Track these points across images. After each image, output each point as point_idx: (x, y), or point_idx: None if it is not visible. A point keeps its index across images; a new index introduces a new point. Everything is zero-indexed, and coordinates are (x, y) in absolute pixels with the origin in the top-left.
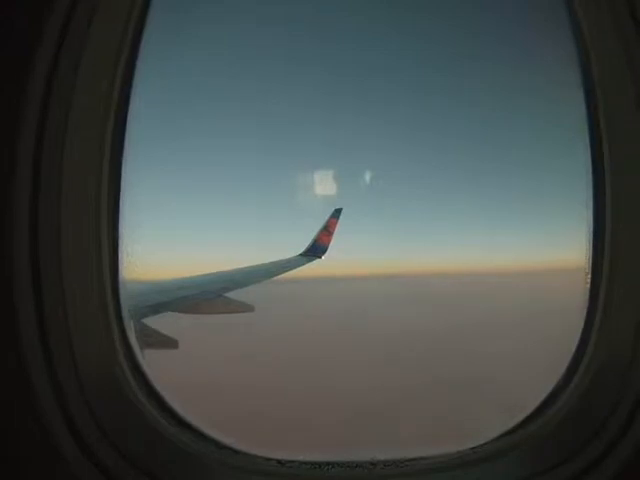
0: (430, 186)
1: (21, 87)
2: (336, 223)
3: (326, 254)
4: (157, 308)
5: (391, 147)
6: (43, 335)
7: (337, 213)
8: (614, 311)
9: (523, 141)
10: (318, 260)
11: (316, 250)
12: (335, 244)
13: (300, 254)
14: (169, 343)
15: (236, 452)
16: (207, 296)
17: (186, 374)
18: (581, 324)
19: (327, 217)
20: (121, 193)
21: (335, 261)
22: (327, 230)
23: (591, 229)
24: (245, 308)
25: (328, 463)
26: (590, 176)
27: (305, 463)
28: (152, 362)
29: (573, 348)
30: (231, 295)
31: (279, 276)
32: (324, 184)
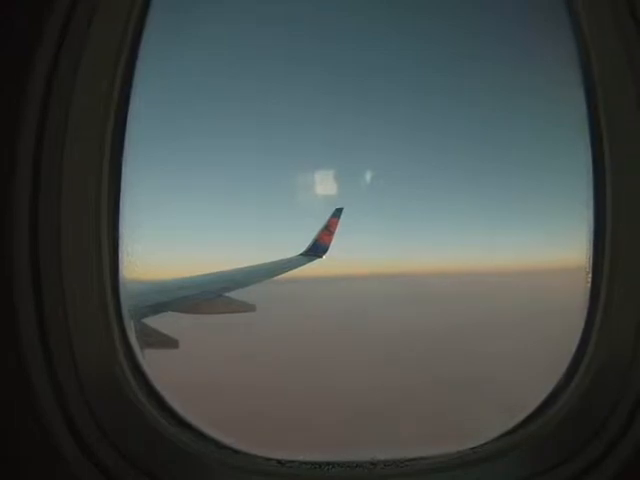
0: (430, 186)
1: (21, 87)
2: (337, 223)
3: (327, 254)
4: (157, 308)
5: (391, 147)
6: (43, 335)
7: (338, 213)
8: (615, 311)
9: (523, 141)
10: (319, 260)
11: (317, 250)
12: (336, 244)
13: (301, 254)
14: (169, 343)
15: (236, 452)
16: (208, 296)
17: (186, 374)
18: (581, 324)
19: (328, 217)
20: (121, 193)
21: (336, 261)
22: (328, 230)
23: (591, 229)
24: (246, 308)
25: (328, 463)
26: (591, 176)
27: (305, 463)
28: (152, 362)
29: (573, 348)
30: (232, 295)
31: (280, 276)
32: (325, 184)
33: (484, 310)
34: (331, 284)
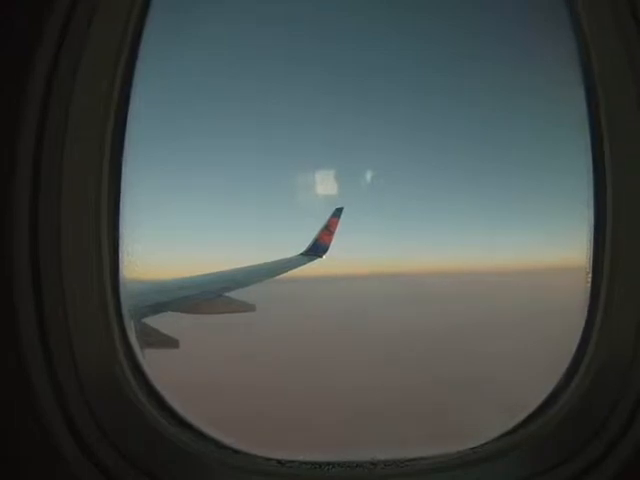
0: (430, 186)
1: (21, 87)
2: (337, 222)
3: (327, 253)
4: (157, 308)
5: (391, 147)
6: (43, 335)
7: (338, 212)
8: (615, 310)
9: (523, 141)
10: (319, 259)
11: (317, 249)
12: (336, 243)
13: (301, 253)
14: (169, 343)
15: (236, 452)
16: (208, 296)
17: (186, 374)
18: (582, 324)
19: (328, 216)
20: (121, 193)
21: (336, 260)
22: (328, 229)
23: (592, 228)
24: (246, 308)
25: (328, 463)
26: (591, 175)
27: (305, 463)
28: (152, 362)
29: (574, 348)
30: (232, 295)
31: (280, 275)
32: (325, 183)
33: (484, 310)
34: (331, 284)
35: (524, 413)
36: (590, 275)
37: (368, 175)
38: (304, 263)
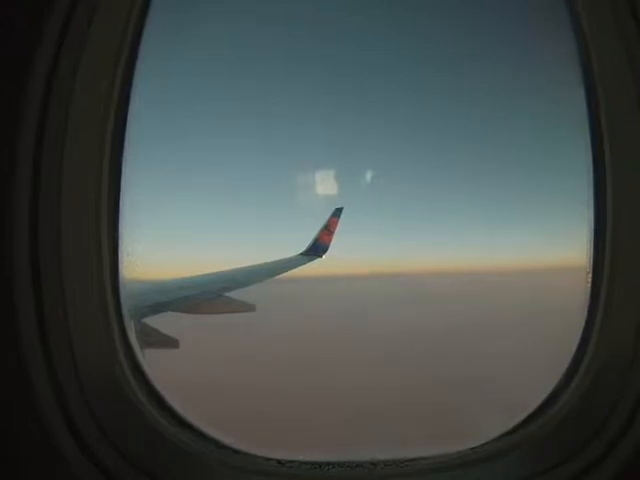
0: (430, 186)
1: (21, 87)
2: (337, 222)
3: (327, 253)
4: (157, 308)
5: (391, 147)
6: (43, 335)
7: (338, 212)
8: (615, 311)
9: (523, 141)
10: (319, 259)
11: (317, 249)
12: (336, 243)
13: (301, 253)
14: (169, 343)
15: (236, 452)
16: (208, 296)
17: (186, 374)
18: (582, 324)
19: (328, 216)
20: (121, 193)
21: (336, 260)
22: (328, 229)
23: (592, 228)
24: (246, 308)
25: (328, 463)
26: (591, 175)
27: (305, 463)
28: (152, 362)
29: (574, 348)
30: (232, 295)
31: (280, 275)
32: (325, 183)
33: (484, 310)
34: (331, 284)
35: (524, 413)
36: (590, 275)
37: (368, 175)
38: (304, 263)
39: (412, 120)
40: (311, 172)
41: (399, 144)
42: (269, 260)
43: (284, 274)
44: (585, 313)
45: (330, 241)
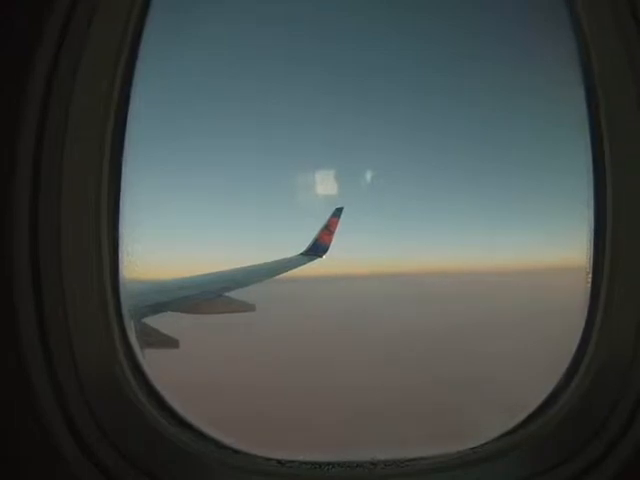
0: (430, 186)
1: (21, 87)
2: (337, 222)
3: (327, 253)
4: (157, 308)
5: (391, 147)
6: (43, 335)
7: (338, 212)
8: (615, 311)
9: (523, 141)
10: (319, 259)
11: (317, 249)
12: (336, 243)
13: (301, 253)
14: (169, 342)
15: (236, 452)
16: (208, 296)
17: (186, 374)
18: (582, 324)
19: (328, 216)
20: (121, 193)
21: (336, 260)
22: (328, 229)
23: (592, 228)
24: (246, 308)
25: (328, 463)
26: (591, 175)
27: (305, 463)
28: (152, 362)
29: (574, 348)
30: (232, 295)
31: (280, 275)
32: (325, 183)
33: (484, 310)
34: (331, 284)
35: (524, 413)
36: (590, 275)
37: (368, 175)
38: (304, 263)
39: (412, 120)
40: (311, 172)
41: (399, 144)
42: (269, 260)
43: (284, 274)
44: (585, 313)
45: (330, 241)
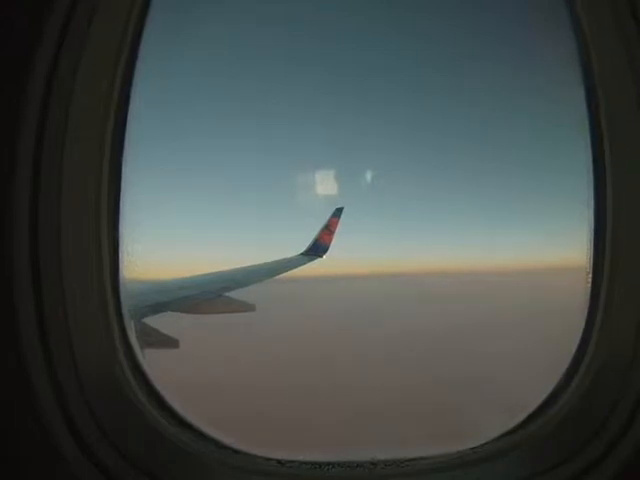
0: (430, 186)
1: (21, 87)
2: (337, 222)
3: (327, 253)
4: (157, 308)
5: (392, 147)
6: (43, 335)
7: (338, 212)
8: (615, 311)
9: (523, 141)
10: (319, 259)
11: (317, 249)
12: (336, 243)
13: (301, 253)
14: (169, 343)
15: (236, 452)
16: (208, 296)
17: (186, 374)
18: (582, 324)
19: (328, 216)
20: (121, 193)
21: (336, 260)
22: (328, 229)
23: (592, 228)
24: (246, 308)
25: (328, 463)
26: (591, 175)
27: (305, 463)
28: (152, 362)
29: (574, 348)
30: (232, 295)
31: (280, 275)
32: (325, 183)
33: (484, 310)
34: (331, 284)
35: (524, 413)
36: (590, 275)
37: (368, 175)
38: (304, 263)
39: (412, 120)
40: (311, 172)
41: (399, 144)
42: (269, 260)
43: (284, 274)
44: (585, 313)
45: (330, 241)
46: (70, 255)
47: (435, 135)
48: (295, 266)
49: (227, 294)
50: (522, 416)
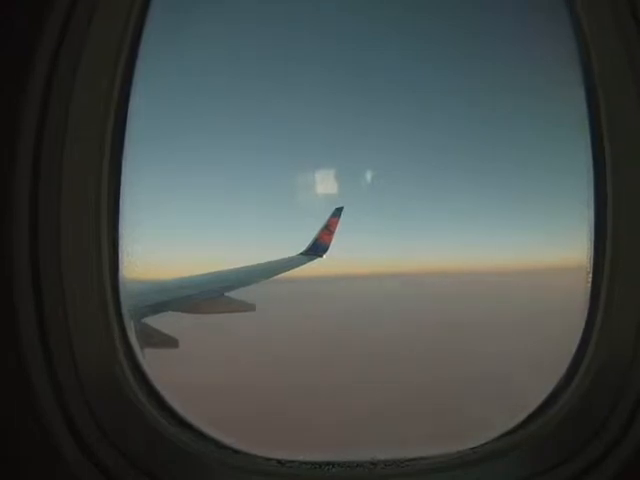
0: (430, 185)
1: (21, 87)
2: (337, 222)
3: (327, 253)
4: (157, 308)
5: (392, 146)
6: (43, 335)
7: (338, 212)
8: (615, 311)
9: (523, 141)
10: (319, 259)
11: (317, 249)
12: (336, 243)
13: (301, 253)
14: (169, 342)
15: (236, 452)
16: (208, 295)
17: (186, 374)
18: (582, 324)
19: (328, 216)
20: (121, 192)
21: (336, 260)
22: (328, 229)
23: (592, 228)
24: (246, 307)
25: (328, 463)
26: (591, 175)
27: (305, 463)
28: (152, 362)
29: (574, 348)
30: (232, 294)
31: (280, 275)
32: (325, 183)
33: (484, 310)
34: (331, 284)
35: (524, 413)
36: (590, 275)
37: (368, 175)
38: (304, 263)
39: (412, 120)
40: (311, 172)
41: (399, 144)
42: (269, 260)
43: (284, 274)
44: (585, 313)
45: (330, 241)
46: (70, 255)
47: (435, 135)
48: (295, 266)
49: (227, 294)
50: (522, 416)
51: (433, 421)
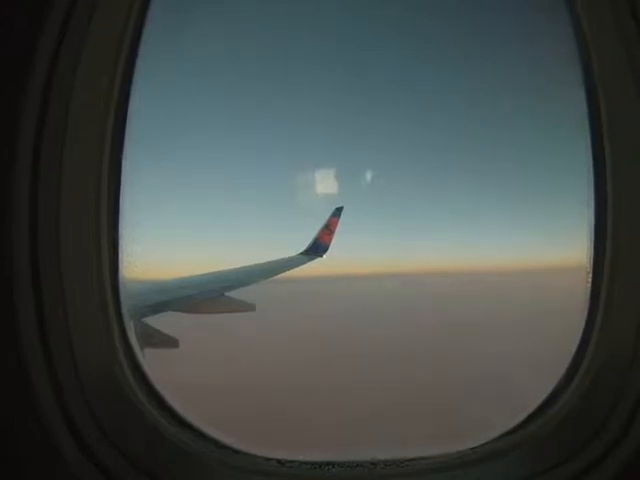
0: (430, 185)
1: (21, 86)
2: (337, 222)
3: (327, 253)
4: (157, 307)
5: (392, 146)
6: (43, 335)
7: (338, 212)
8: (615, 311)
9: (523, 141)
10: (319, 259)
11: (317, 249)
12: (336, 243)
13: (301, 253)
14: (169, 342)
15: (236, 452)
16: (208, 295)
17: (186, 374)
18: (582, 324)
19: (328, 216)
20: (121, 192)
21: (336, 260)
22: (328, 229)
23: (592, 228)
24: (246, 307)
25: (328, 463)
26: (591, 175)
27: (305, 463)
28: (152, 362)
29: (574, 348)
30: (232, 294)
31: (280, 275)
32: (325, 183)
33: (484, 310)
34: (331, 284)
35: (524, 413)
36: (590, 275)
37: (368, 174)
38: (304, 262)
39: (412, 120)
40: (311, 171)
41: (399, 144)
42: (269, 259)
43: (284, 274)
44: (585, 313)
45: (330, 241)
46: (70, 255)
47: (435, 135)
48: (295, 266)
49: (227, 294)
50: (522, 416)
51: (433, 421)
